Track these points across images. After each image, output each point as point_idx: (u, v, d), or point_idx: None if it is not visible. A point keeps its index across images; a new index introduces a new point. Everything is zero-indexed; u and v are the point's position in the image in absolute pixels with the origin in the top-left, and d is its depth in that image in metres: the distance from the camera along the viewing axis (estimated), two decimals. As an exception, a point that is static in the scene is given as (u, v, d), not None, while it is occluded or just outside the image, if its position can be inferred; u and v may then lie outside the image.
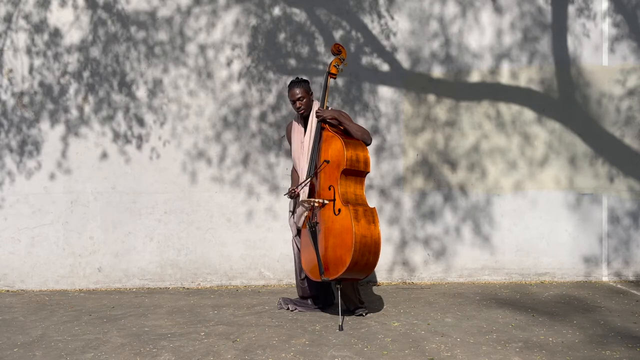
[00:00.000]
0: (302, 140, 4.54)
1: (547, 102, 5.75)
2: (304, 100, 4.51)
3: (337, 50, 4.59)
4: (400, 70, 5.70)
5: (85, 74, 5.60)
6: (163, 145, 5.61)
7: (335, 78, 4.63)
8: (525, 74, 5.74)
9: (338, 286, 4.32)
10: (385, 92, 5.69)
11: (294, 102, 4.52)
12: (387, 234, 5.66)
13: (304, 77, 5.02)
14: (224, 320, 4.43)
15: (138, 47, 5.60)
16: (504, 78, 5.74)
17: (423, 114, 5.71)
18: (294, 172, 4.70)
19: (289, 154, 5.47)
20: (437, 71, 5.72)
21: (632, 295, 5.18)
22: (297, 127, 4.61)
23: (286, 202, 5.46)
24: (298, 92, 4.49)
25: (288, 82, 5.47)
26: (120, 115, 5.60)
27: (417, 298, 5.08)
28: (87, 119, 5.60)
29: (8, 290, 5.58)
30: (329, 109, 4.57)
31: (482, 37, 5.72)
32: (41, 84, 5.59)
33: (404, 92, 5.71)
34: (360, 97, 5.69)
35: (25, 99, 5.59)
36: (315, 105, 4.55)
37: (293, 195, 4.51)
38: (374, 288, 5.52)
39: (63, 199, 5.60)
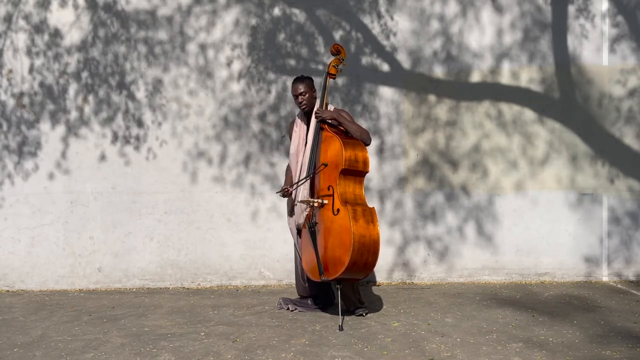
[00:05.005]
0: (304, 137, 4.54)
1: (547, 102, 5.75)
2: (307, 95, 4.51)
3: (336, 50, 4.58)
4: (400, 70, 5.69)
5: (85, 75, 5.60)
6: (163, 144, 5.61)
7: (334, 78, 4.63)
8: (525, 74, 5.74)
9: (338, 286, 4.31)
10: (386, 92, 5.69)
11: (296, 97, 4.53)
12: (389, 235, 5.66)
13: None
14: (224, 320, 4.43)
15: (138, 46, 5.60)
16: (505, 78, 5.73)
17: (424, 114, 5.71)
18: (288, 170, 4.70)
19: (288, 153, 5.45)
20: (438, 71, 5.71)
21: (633, 295, 5.18)
22: (300, 124, 4.61)
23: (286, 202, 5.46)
24: (301, 87, 4.50)
25: (288, 83, 5.49)
26: (120, 116, 5.60)
27: (417, 298, 5.07)
28: (87, 119, 5.60)
29: (8, 290, 5.59)
30: (330, 108, 4.57)
31: (483, 36, 5.71)
32: (41, 84, 5.59)
33: (405, 92, 5.70)
34: (360, 98, 5.68)
35: (25, 100, 5.59)
36: (317, 105, 4.55)
37: (286, 194, 4.51)
38: (374, 288, 5.51)
39: (63, 199, 5.60)
